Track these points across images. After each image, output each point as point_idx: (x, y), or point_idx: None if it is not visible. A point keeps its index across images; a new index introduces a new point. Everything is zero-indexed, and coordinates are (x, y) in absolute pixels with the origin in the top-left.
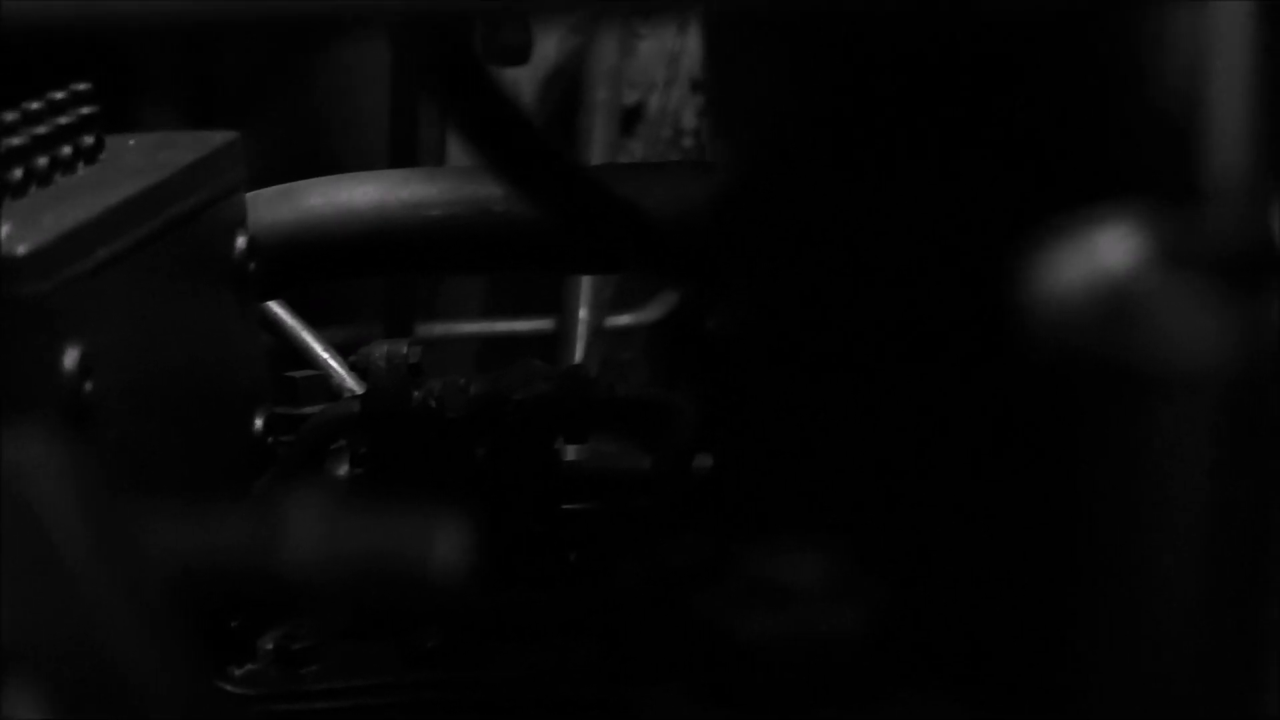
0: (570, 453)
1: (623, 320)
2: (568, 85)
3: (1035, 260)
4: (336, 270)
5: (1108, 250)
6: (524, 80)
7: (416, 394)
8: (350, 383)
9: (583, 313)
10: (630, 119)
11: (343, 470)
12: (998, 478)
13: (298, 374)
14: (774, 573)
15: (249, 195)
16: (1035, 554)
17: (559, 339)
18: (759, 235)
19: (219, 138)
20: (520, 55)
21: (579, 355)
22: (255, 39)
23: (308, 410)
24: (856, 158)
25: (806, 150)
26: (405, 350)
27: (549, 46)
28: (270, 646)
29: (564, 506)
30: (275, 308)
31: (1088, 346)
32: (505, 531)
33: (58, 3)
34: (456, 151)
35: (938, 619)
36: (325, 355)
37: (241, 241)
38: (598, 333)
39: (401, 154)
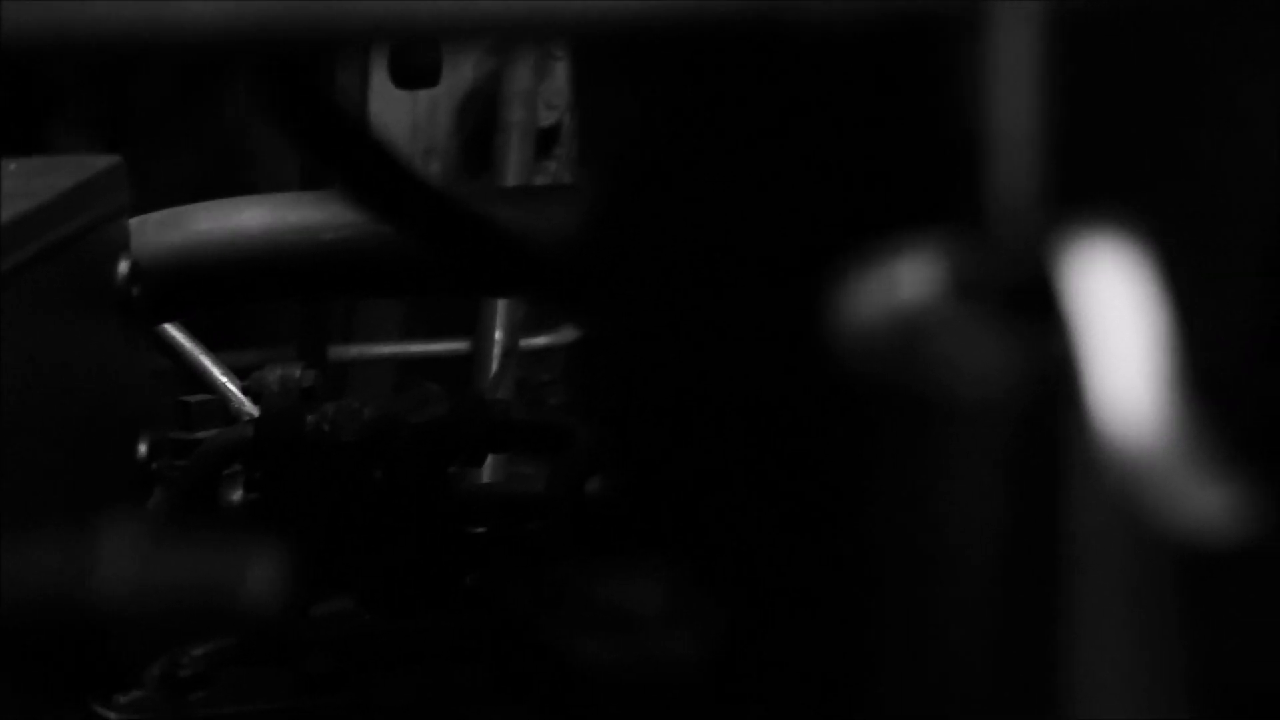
0: (484, 475)
1: (539, 341)
2: (485, 106)
3: (841, 288)
4: (225, 295)
5: (904, 279)
6: (441, 101)
7: (310, 418)
8: (249, 406)
9: (498, 334)
10: (547, 139)
11: (236, 495)
12: (818, 503)
13: (191, 398)
14: (616, 599)
15: (136, 220)
16: (848, 582)
17: (474, 360)
18: (617, 258)
19: (101, 162)
20: (430, 77)
21: (494, 377)
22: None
23: (201, 435)
24: (695, 185)
25: (654, 178)
26: (298, 374)
27: (466, 68)
28: (157, 673)
29: (459, 531)
30: (172, 331)
31: (884, 376)
32: (398, 556)
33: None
34: None
35: (774, 644)
36: (223, 379)
37: (124, 266)
38: (510, 354)
39: (314, 175)
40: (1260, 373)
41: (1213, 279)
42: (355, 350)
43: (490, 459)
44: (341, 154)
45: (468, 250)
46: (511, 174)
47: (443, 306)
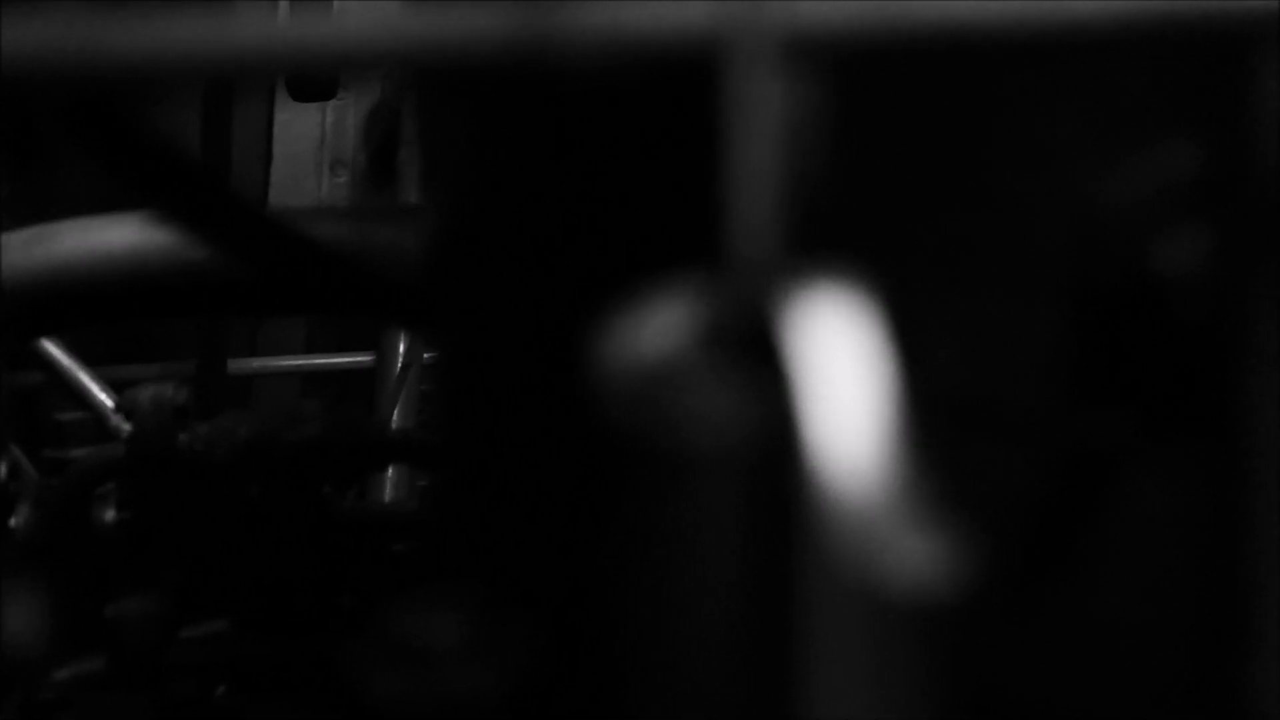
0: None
1: None
2: (392, 119)
3: (602, 335)
4: (92, 314)
5: (653, 327)
6: (349, 113)
7: (183, 437)
8: (128, 425)
9: (402, 346)
10: None
11: (109, 514)
12: (594, 544)
13: (65, 416)
14: (414, 632)
15: None
16: (615, 621)
17: (378, 374)
18: (458, 280)
19: None
20: (325, 91)
21: (392, 390)
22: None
23: (75, 453)
24: (499, 216)
25: (490, 204)
26: (171, 393)
27: (374, 81)
28: (18, 698)
29: (333, 551)
30: (50, 348)
31: (631, 424)
32: (271, 576)
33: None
34: (279, 187)
35: (568, 679)
36: (101, 396)
37: None
38: (409, 367)
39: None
40: (1064, 408)
41: (1012, 317)
42: (257, 363)
43: (392, 475)
44: (152, 177)
45: (285, 271)
46: (416, 187)
47: (347, 320)
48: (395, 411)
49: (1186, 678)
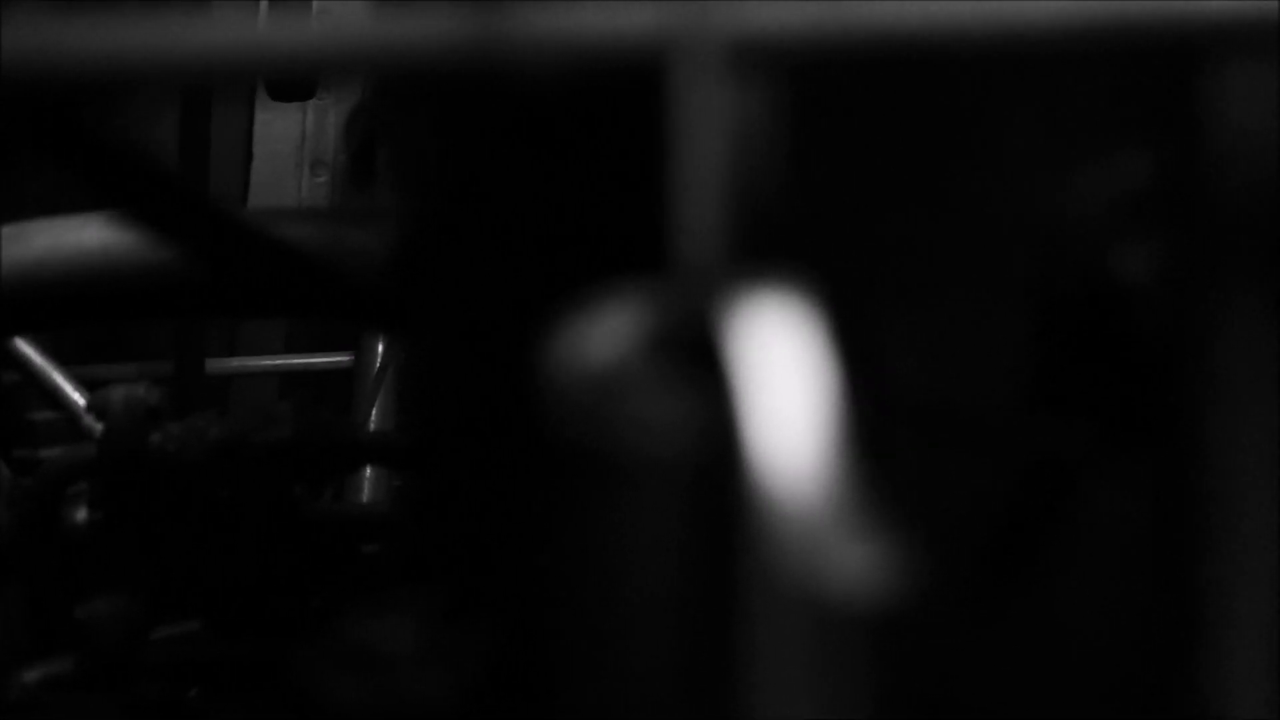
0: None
1: None
2: (372, 120)
3: (548, 340)
4: (65, 315)
5: (599, 333)
6: (330, 113)
7: (154, 437)
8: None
9: (380, 347)
10: None
11: (80, 514)
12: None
13: (37, 416)
14: (369, 638)
15: None
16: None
17: (356, 374)
18: (419, 282)
19: None
20: (304, 91)
21: (369, 390)
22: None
23: (47, 453)
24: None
25: (454, 206)
26: (143, 393)
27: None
28: None
29: (305, 552)
30: (23, 346)
31: (577, 431)
32: (243, 578)
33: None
34: (259, 187)
35: (524, 685)
36: (75, 396)
37: None
38: (386, 368)
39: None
40: (1023, 415)
41: (971, 324)
42: (236, 363)
43: (369, 476)
44: (121, 179)
45: (256, 273)
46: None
47: (322, 321)
48: (372, 412)
49: (1143, 685)
